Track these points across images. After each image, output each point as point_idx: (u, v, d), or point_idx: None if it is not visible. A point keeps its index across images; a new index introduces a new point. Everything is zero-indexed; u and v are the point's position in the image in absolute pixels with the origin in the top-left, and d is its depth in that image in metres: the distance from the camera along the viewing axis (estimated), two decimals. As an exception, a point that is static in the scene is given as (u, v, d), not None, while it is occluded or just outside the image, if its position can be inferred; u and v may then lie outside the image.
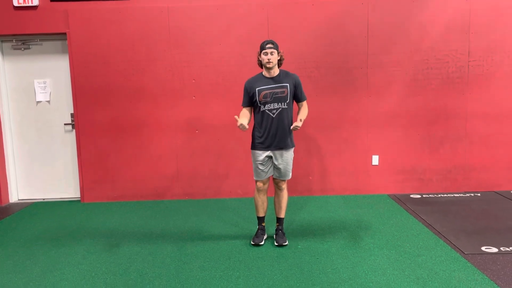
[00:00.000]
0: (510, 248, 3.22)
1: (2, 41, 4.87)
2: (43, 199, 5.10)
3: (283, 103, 3.28)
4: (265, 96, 3.26)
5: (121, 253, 3.36)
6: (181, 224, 4.04)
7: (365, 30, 4.65)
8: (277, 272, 2.93)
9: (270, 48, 3.21)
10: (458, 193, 4.79)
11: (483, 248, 3.23)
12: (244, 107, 3.39)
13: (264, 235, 3.54)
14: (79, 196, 5.02)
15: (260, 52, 3.26)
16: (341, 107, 4.76)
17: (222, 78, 4.73)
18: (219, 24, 4.66)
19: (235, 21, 4.66)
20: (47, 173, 5.05)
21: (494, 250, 3.19)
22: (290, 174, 3.45)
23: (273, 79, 3.30)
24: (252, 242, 3.44)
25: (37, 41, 4.86)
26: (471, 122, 4.75)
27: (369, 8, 4.62)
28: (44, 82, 4.89)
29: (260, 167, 3.36)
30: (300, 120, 3.23)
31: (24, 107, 4.96)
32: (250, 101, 3.34)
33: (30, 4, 4.61)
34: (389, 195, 4.81)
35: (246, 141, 4.68)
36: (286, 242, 3.40)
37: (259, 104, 3.29)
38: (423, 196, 4.74)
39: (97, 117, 4.78)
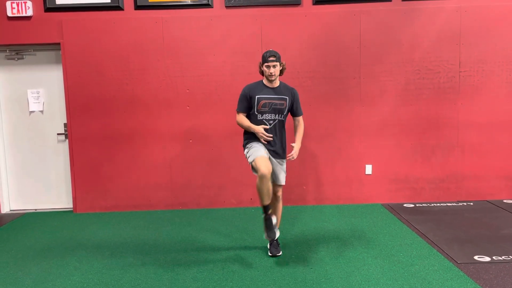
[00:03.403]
0: (503, 257, 3.23)
1: (-5, 51, 4.88)
2: (35, 209, 5.06)
3: (280, 115, 3.30)
4: (264, 106, 3.26)
5: (114, 264, 3.33)
6: (174, 234, 4.02)
7: (357, 41, 4.70)
8: (271, 282, 2.92)
9: (272, 61, 3.20)
10: (450, 202, 4.82)
11: (475, 257, 3.24)
12: (240, 112, 3.33)
13: (274, 223, 3.32)
14: (72, 207, 4.99)
15: (262, 63, 3.26)
16: (334, 117, 4.79)
17: (216, 88, 4.75)
18: (213, 34, 4.69)
19: (229, 32, 4.69)
20: (39, 183, 5.02)
21: (487, 259, 3.21)
22: (284, 179, 3.43)
23: (274, 90, 3.30)
24: (268, 238, 3.26)
25: (30, 51, 4.86)
26: (462, 131, 4.80)
27: (361, 19, 4.68)
28: (38, 92, 4.88)
29: (257, 145, 3.24)
30: (292, 155, 3.28)
31: (17, 117, 4.94)
32: (248, 107, 3.31)
33: (24, 15, 4.62)
34: (382, 204, 4.82)
35: (240, 150, 4.69)
36: (280, 252, 3.39)
37: (256, 112, 3.28)
38: (416, 205, 4.76)
39: (90, 127, 4.77)
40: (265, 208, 3.21)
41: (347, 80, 4.75)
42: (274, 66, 3.21)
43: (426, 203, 4.83)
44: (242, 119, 3.32)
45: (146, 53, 4.70)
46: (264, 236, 3.28)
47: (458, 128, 4.79)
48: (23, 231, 4.27)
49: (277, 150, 3.33)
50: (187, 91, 4.76)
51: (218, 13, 4.68)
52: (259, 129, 3.23)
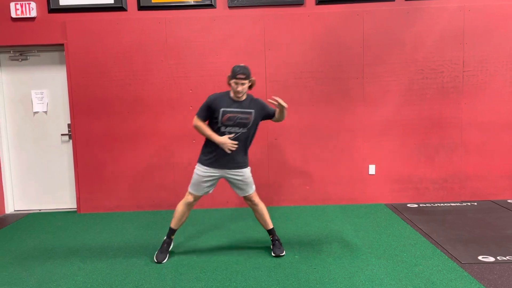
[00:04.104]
0: (507, 257, 3.22)
1: (-1, 52, 4.90)
2: (39, 210, 5.08)
3: (244, 128, 3.23)
4: (229, 119, 3.17)
5: (117, 264, 3.34)
6: (177, 234, 4.01)
7: (360, 41, 4.70)
8: (274, 282, 2.92)
9: (241, 79, 3.09)
10: (454, 202, 4.80)
11: (480, 258, 3.23)
12: (200, 119, 3.23)
13: (169, 249, 3.45)
14: (76, 207, 5.00)
15: (231, 78, 3.14)
16: (337, 117, 4.79)
17: (219, 88, 4.73)
18: (216, 35, 4.70)
19: (232, 32, 4.69)
20: (43, 184, 5.04)
21: (491, 259, 3.20)
22: (254, 185, 3.43)
23: (240, 104, 3.21)
24: (155, 260, 3.33)
25: (34, 52, 4.88)
26: (466, 131, 4.78)
27: (364, 19, 4.67)
28: (42, 92, 4.90)
29: (204, 184, 3.32)
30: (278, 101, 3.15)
31: (21, 118, 4.96)
32: (209, 116, 3.23)
33: (28, 16, 4.64)
34: (386, 205, 4.81)
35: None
36: (283, 252, 3.39)
37: (219, 124, 3.20)
38: (420, 205, 4.75)
39: (94, 128, 4.78)
40: (171, 231, 3.45)
41: (350, 80, 4.74)
42: (242, 84, 3.11)
43: (430, 203, 4.81)
44: (203, 126, 3.23)
45: (149, 53, 4.71)
46: (155, 255, 3.38)
47: (461, 128, 4.78)
48: (27, 231, 4.29)
49: (238, 159, 3.29)
50: (190, 91, 4.76)
51: (221, 14, 4.69)
52: (225, 140, 3.17)
